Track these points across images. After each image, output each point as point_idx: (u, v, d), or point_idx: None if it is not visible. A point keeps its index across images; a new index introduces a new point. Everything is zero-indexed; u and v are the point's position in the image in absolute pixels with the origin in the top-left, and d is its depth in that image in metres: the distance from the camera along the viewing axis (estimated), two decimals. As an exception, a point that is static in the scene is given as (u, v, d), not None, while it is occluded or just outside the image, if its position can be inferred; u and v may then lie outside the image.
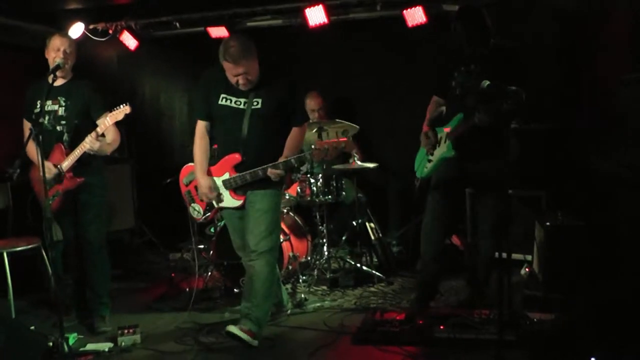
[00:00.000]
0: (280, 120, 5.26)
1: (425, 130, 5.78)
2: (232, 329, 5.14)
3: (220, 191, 5.34)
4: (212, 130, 5.42)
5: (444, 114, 5.77)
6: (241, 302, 5.40)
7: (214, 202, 5.41)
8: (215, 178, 5.33)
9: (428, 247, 5.90)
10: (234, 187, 5.28)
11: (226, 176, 5.28)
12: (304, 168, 7.51)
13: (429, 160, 5.77)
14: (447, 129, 5.60)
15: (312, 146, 5.10)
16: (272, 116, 5.19)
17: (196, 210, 5.63)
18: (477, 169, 5.56)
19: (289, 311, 6.04)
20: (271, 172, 5.08)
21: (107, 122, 5.52)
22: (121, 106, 5.53)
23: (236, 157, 5.21)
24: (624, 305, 4.80)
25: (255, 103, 5.16)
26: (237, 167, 5.23)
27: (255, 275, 5.25)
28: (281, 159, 5.11)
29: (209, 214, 5.57)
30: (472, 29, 5.43)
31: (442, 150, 5.63)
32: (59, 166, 5.56)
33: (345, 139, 5.06)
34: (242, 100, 5.18)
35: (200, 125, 5.41)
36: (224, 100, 5.21)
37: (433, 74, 5.98)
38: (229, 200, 5.34)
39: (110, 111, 5.55)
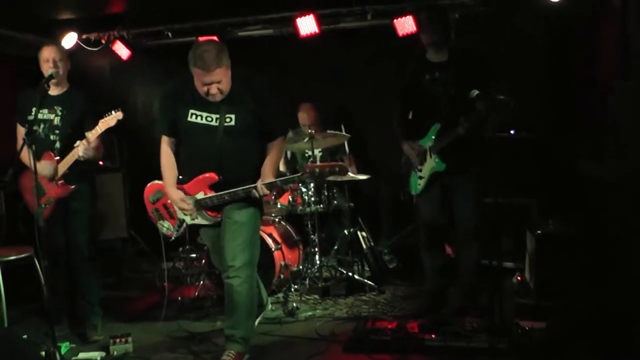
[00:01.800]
0: (256, 134, 4.97)
1: (407, 144, 5.81)
2: None
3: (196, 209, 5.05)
4: (179, 145, 5.15)
5: (416, 124, 5.80)
6: (224, 320, 5.31)
7: (188, 218, 5.15)
8: (190, 197, 5.02)
9: (430, 262, 5.95)
10: (210, 207, 5.02)
11: (201, 195, 4.97)
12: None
13: (420, 177, 5.79)
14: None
15: (303, 167, 4.97)
16: (247, 132, 4.90)
17: (165, 226, 5.36)
18: (462, 178, 5.60)
19: (269, 307, 6.01)
20: (254, 194, 4.85)
21: (98, 129, 5.52)
22: (113, 112, 5.52)
23: (212, 177, 4.91)
24: (615, 312, 4.83)
25: (228, 119, 4.83)
26: (213, 187, 4.95)
27: (235, 294, 4.97)
28: (265, 180, 4.86)
29: (180, 230, 5.31)
30: (438, 30, 5.52)
31: (431, 164, 5.66)
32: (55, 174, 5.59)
33: (339, 163, 4.90)
34: (214, 116, 4.85)
35: (166, 141, 5.14)
36: (194, 116, 4.88)
37: (399, 82, 6.00)
38: (204, 218, 5.09)
39: (101, 118, 5.54)
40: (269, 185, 4.85)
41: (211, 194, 4.95)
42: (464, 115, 5.31)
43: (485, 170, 5.50)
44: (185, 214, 5.15)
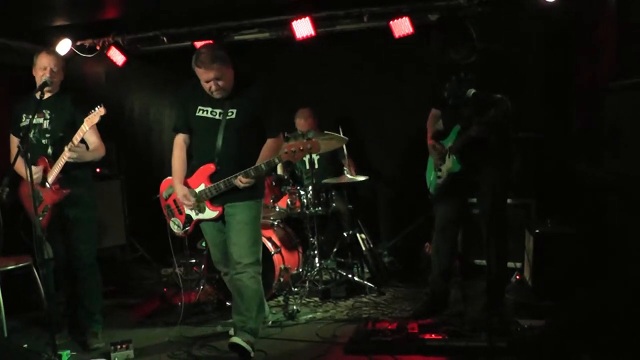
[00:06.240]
0: (256, 130, 5.25)
1: (431, 143, 5.81)
2: (236, 340, 5.15)
3: (199, 202, 5.31)
4: (189, 141, 5.45)
5: (443, 125, 5.80)
6: (232, 316, 5.41)
7: (193, 213, 5.38)
8: (192, 190, 5.29)
9: (437, 260, 5.94)
10: (210, 198, 5.26)
11: (202, 187, 5.26)
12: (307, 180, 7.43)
13: (439, 177, 5.80)
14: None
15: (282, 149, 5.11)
16: (247, 127, 5.19)
17: (176, 224, 5.58)
18: (479, 180, 5.58)
19: (269, 322, 6.05)
20: (240, 180, 5.04)
21: (84, 128, 5.44)
22: (95, 109, 5.40)
23: (211, 167, 5.20)
24: (613, 310, 4.83)
25: (230, 113, 5.16)
26: (212, 177, 5.22)
27: (244, 289, 5.24)
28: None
29: (188, 227, 5.50)
30: (453, 38, 5.47)
31: (449, 165, 5.67)
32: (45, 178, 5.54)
33: (311, 140, 5.02)
34: (218, 110, 5.19)
35: (179, 138, 5.45)
36: (201, 111, 5.22)
37: (429, 87, 5.98)
38: (207, 212, 5.32)
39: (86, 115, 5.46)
40: (255, 171, 5.04)
41: (210, 185, 5.20)
42: (476, 117, 5.31)
43: (498, 171, 5.49)
44: (190, 209, 5.39)
